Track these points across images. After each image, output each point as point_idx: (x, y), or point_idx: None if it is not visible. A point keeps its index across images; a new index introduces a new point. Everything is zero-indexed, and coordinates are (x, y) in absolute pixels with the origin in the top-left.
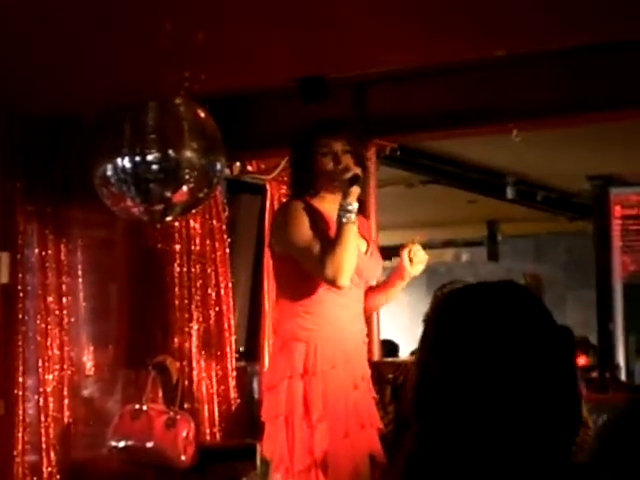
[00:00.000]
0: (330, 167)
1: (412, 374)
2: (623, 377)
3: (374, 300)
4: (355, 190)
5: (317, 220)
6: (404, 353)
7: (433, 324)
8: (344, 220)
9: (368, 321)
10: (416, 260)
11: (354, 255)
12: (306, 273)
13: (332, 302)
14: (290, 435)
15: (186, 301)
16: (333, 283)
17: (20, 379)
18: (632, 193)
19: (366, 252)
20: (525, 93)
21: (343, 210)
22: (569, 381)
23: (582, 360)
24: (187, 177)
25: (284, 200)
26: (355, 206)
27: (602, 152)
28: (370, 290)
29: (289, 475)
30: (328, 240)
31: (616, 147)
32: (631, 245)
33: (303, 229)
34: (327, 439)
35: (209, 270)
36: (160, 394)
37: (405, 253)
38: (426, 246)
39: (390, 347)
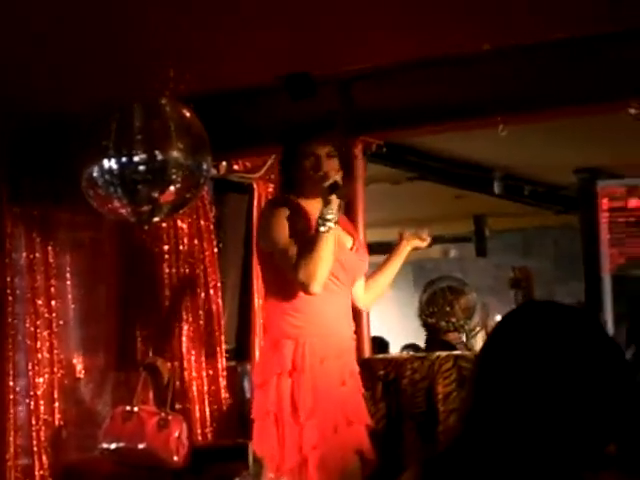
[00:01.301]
0: (310, 172)
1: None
2: None
3: (375, 285)
4: (334, 199)
5: (299, 220)
6: (394, 349)
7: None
8: (322, 229)
9: (358, 318)
10: (414, 243)
11: (329, 264)
12: None
13: (320, 300)
14: (280, 432)
15: (175, 301)
16: (305, 289)
17: (10, 383)
18: (619, 185)
19: (351, 248)
20: (511, 87)
21: (322, 218)
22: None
23: None
24: (174, 177)
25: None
26: (333, 215)
27: (588, 145)
28: (370, 278)
29: (280, 473)
30: (305, 243)
31: (602, 140)
32: (619, 237)
33: (283, 230)
34: (316, 436)
35: (198, 270)
36: (151, 395)
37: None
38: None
39: (380, 343)
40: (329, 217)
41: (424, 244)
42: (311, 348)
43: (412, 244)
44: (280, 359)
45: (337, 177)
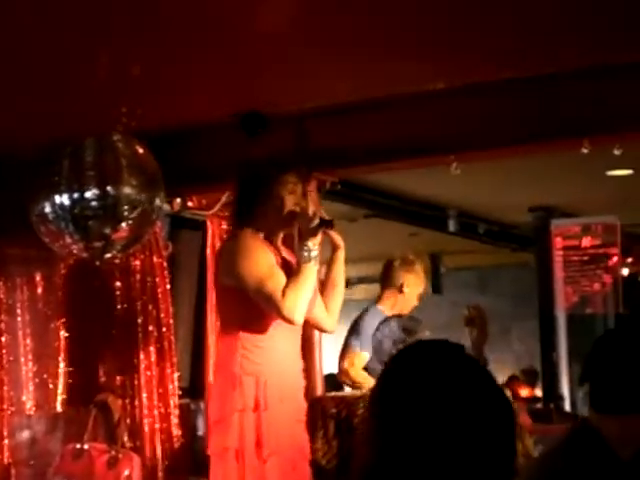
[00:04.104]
0: (295, 207)
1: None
2: (567, 407)
3: (332, 303)
4: (320, 233)
5: (269, 254)
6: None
7: (382, 385)
8: (312, 260)
9: (310, 355)
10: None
11: (311, 294)
12: (256, 307)
13: (281, 336)
14: (241, 469)
15: (127, 338)
16: (289, 320)
17: None
18: (572, 224)
19: None
20: (464, 126)
21: (308, 252)
22: (503, 437)
23: (525, 392)
24: (126, 214)
25: (225, 235)
26: (318, 248)
27: (542, 184)
28: (324, 297)
29: None
30: (282, 276)
31: (556, 179)
32: (573, 276)
33: (258, 263)
34: (277, 473)
35: (150, 307)
36: (102, 433)
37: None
38: (368, 280)
39: (333, 381)
40: (315, 250)
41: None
42: (271, 386)
43: (336, 242)
44: (241, 396)
45: (324, 214)
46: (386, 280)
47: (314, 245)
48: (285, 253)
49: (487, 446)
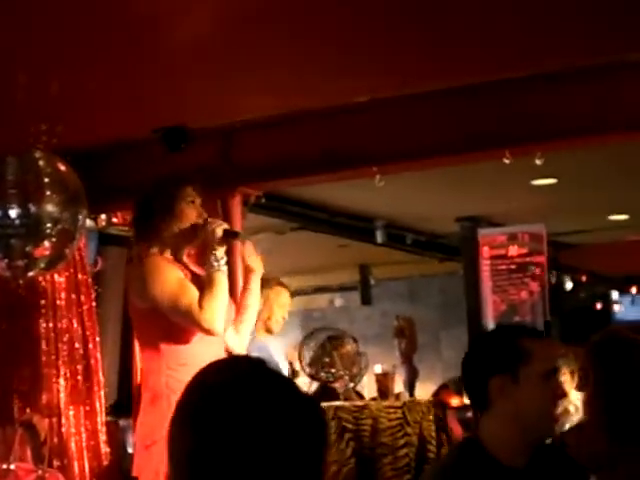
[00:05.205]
0: (196, 219)
1: None
2: None
3: (243, 326)
4: (225, 243)
5: (176, 271)
6: None
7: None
8: (222, 269)
9: None
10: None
11: (226, 302)
12: (174, 325)
13: (203, 350)
14: None
15: (53, 357)
16: (209, 331)
17: None
18: (499, 233)
19: None
20: (386, 137)
21: (217, 261)
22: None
23: (455, 401)
24: (48, 231)
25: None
26: (225, 257)
27: (469, 194)
28: (235, 319)
29: None
30: (194, 289)
31: (482, 189)
32: (501, 284)
33: (168, 281)
34: None
35: (75, 324)
36: (29, 452)
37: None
38: (299, 292)
39: None
40: (224, 258)
41: (249, 251)
42: None
43: (252, 264)
44: (169, 416)
45: (226, 225)
46: None
47: (221, 254)
48: (193, 267)
49: (293, 459)
